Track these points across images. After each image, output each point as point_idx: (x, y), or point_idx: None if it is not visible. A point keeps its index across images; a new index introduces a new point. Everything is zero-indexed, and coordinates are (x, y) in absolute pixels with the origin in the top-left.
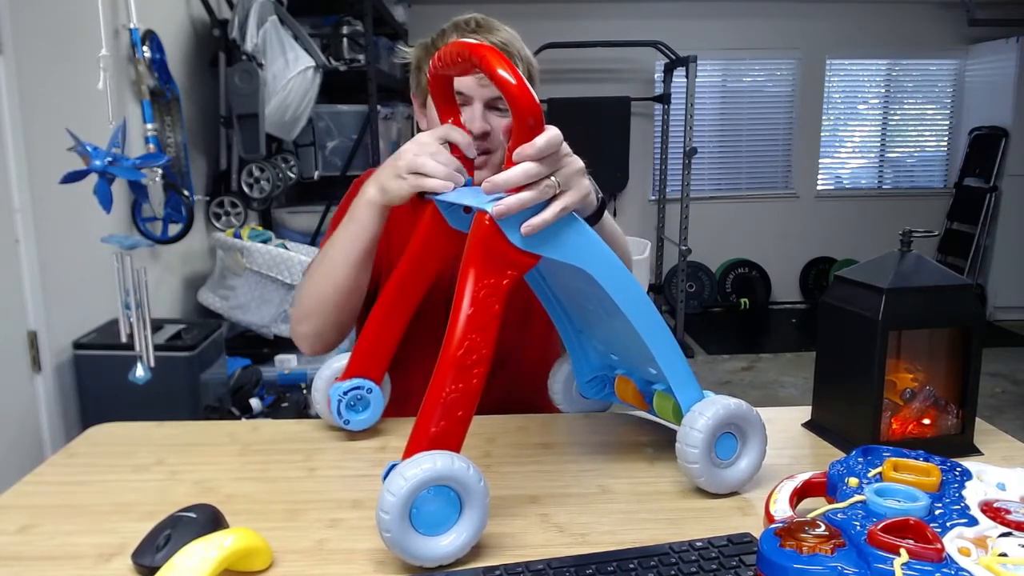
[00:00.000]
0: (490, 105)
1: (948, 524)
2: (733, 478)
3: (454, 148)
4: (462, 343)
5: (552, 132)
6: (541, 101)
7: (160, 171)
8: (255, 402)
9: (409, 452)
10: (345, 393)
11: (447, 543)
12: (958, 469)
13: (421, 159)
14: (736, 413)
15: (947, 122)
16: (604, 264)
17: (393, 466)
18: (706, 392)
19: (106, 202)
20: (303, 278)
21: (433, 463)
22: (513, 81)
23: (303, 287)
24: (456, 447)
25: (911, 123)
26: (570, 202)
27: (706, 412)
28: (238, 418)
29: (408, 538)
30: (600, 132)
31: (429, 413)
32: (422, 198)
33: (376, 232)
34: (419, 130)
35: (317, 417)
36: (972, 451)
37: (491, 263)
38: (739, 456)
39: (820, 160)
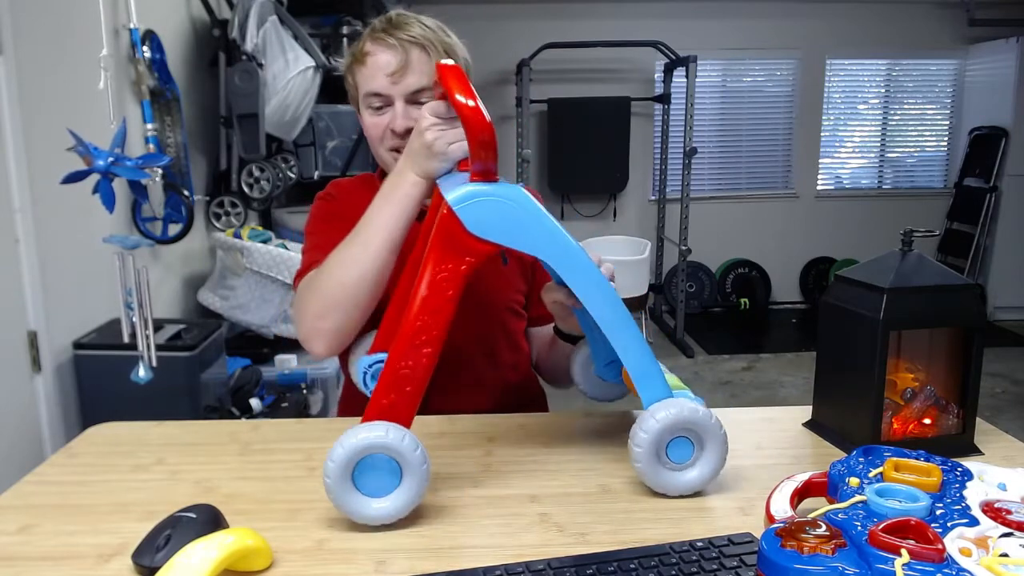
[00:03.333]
0: (411, 100)
1: (949, 524)
2: (683, 482)
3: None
4: (415, 324)
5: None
6: (540, 101)
7: (160, 171)
8: (255, 402)
9: (364, 420)
10: (371, 365)
11: (385, 505)
12: (959, 469)
13: (448, 136)
14: (691, 419)
15: (947, 122)
16: (561, 255)
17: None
18: (680, 392)
19: (109, 202)
20: (314, 276)
21: (369, 434)
22: (469, 104)
23: (322, 281)
24: (405, 418)
25: (911, 123)
26: None
27: (657, 415)
28: (238, 418)
29: (350, 498)
30: (600, 132)
31: (383, 387)
32: None
33: (411, 216)
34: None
35: (317, 417)
36: (973, 451)
37: (449, 249)
38: (694, 462)
39: (820, 160)
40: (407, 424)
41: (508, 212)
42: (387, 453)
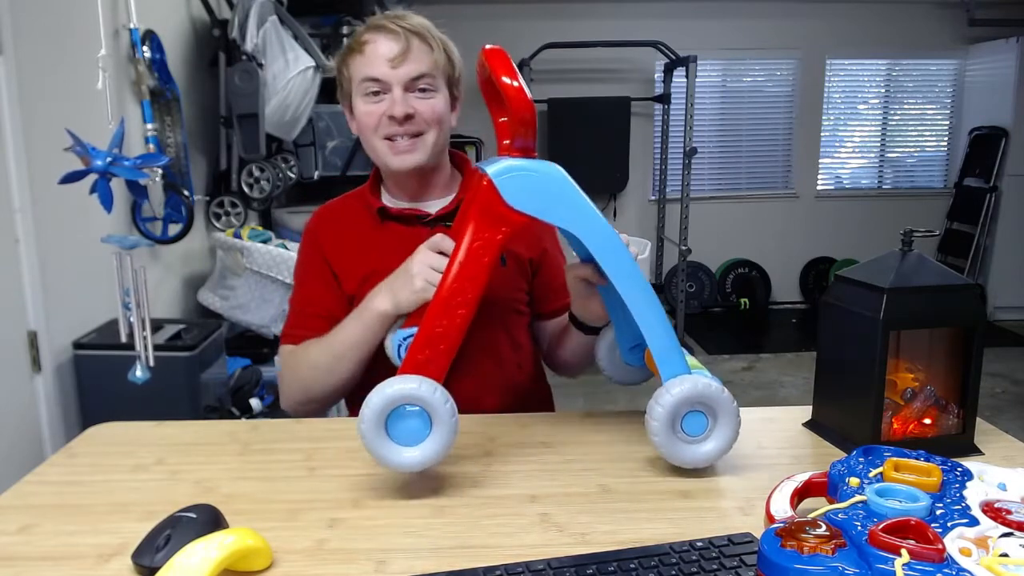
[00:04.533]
0: (408, 88)
1: (949, 524)
2: (699, 454)
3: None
4: (452, 287)
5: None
6: (540, 101)
7: (160, 171)
8: (255, 402)
9: (400, 373)
10: (404, 339)
11: (415, 454)
12: (959, 469)
13: (431, 274)
14: (704, 393)
15: (947, 122)
16: (592, 230)
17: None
18: (698, 371)
19: (107, 202)
20: (296, 359)
21: (403, 385)
22: (513, 84)
23: (302, 373)
24: (438, 374)
25: (911, 123)
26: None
27: (672, 389)
28: (238, 418)
29: (382, 445)
30: (600, 132)
31: (420, 344)
32: (382, 219)
33: (381, 337)
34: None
35: (317, 417)
36: (973, 451)
37: (487, 219)
38: (708, 435)
39: (820, 160)
40: (440, 379)
41: (544, 186)
42: (418, 404)
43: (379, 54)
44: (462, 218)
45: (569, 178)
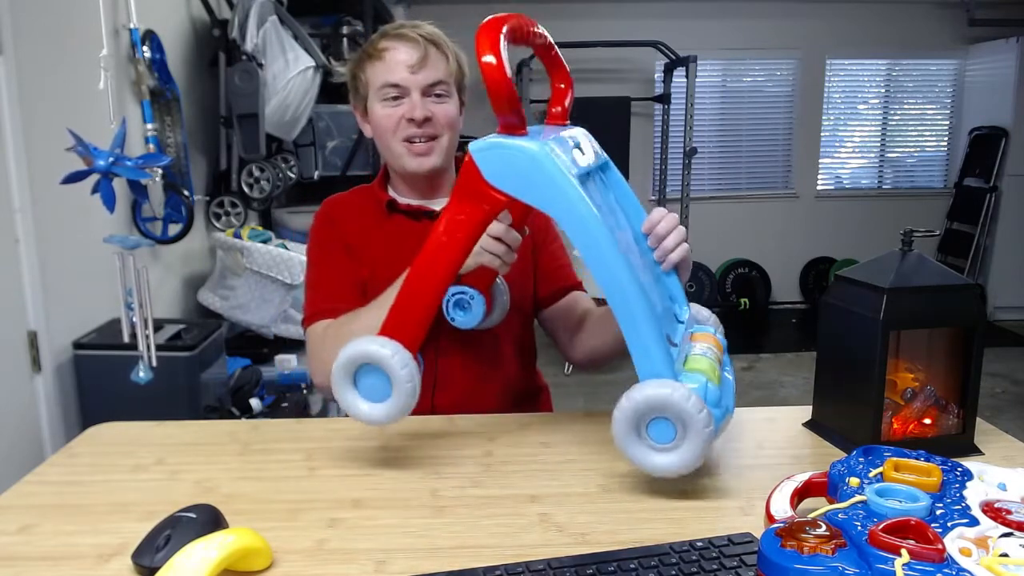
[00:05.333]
0: (426, 93)
1: (949, 524)
2: (658, 463)
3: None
4: (426, 257)
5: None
6: (540, 101)
7: (160, 171)
8: (255, 402)
9: (379, 334)
10: (453, 295)
11: (372, 410)
12: (959, 469)
13: (487, 240)
14: (669, 403)
15: (947, 122)
16: (570, 215)
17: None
18: (696, 373)
19: (110, 202)
20: (332, 333)
21: (368, 346)
22: (492, 62)
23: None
24: (411, 337)
25: (911, 123)
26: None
27: (633, 394)
28: (238, 418)
29: (347, 393)
30: (600, 132)
31: (394, 311)
32: (389, 212)
33: None
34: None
35: (317, 417)
36: (973, 451)
37: (467, 195)
38: (675, 447)
39: (820, 160)
40: (414, 342)
41: (523, 166)
42: (378, 365)
43: (399, 60)
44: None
45: (554, 158)
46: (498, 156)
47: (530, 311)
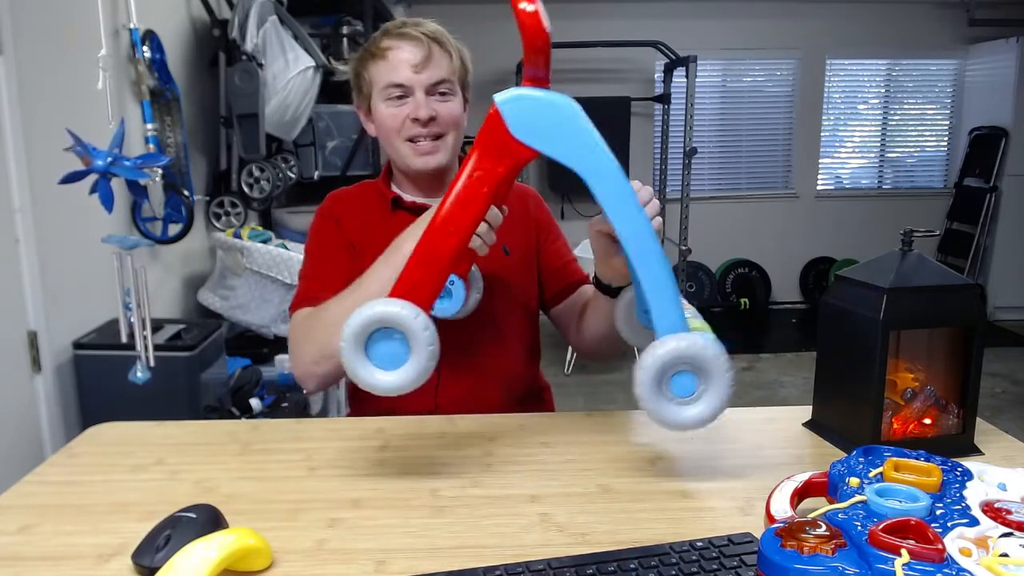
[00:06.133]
0: (430, 92)
1: (949, 524)
2: (685, 416)
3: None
4: (447, 213)
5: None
6: None
7: (160, 171)
8: (255, 402)
9: (389, 296)
10: None
11: (392, 378)
12: (959, 469)
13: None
14: (697, 353)
15: (947, 122)
16: (597, 169)
17: None
18: (701, 332)
19: (108, 202)
20: (312, 317)
21: (386, 308)
22: (529, 8)
23: (318, 329)
24: (424, 300)
25: (911, 123)
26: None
27: (666, 345)
28: (238, 418)
29: (360, 364)
30: (600, 132)
31: (409, 269)
32: (394, 208)
33: None
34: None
35: (317, 417)
36: (973, 451)
37: (490, 149)
38: (697, 397)
39: (820, 160)
40: (428, 303)
41: (550, 117)
42: (398, 328)
43: (402, 60)
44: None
45: (581, 112)
46: (526, 107)
47: (535, 309)
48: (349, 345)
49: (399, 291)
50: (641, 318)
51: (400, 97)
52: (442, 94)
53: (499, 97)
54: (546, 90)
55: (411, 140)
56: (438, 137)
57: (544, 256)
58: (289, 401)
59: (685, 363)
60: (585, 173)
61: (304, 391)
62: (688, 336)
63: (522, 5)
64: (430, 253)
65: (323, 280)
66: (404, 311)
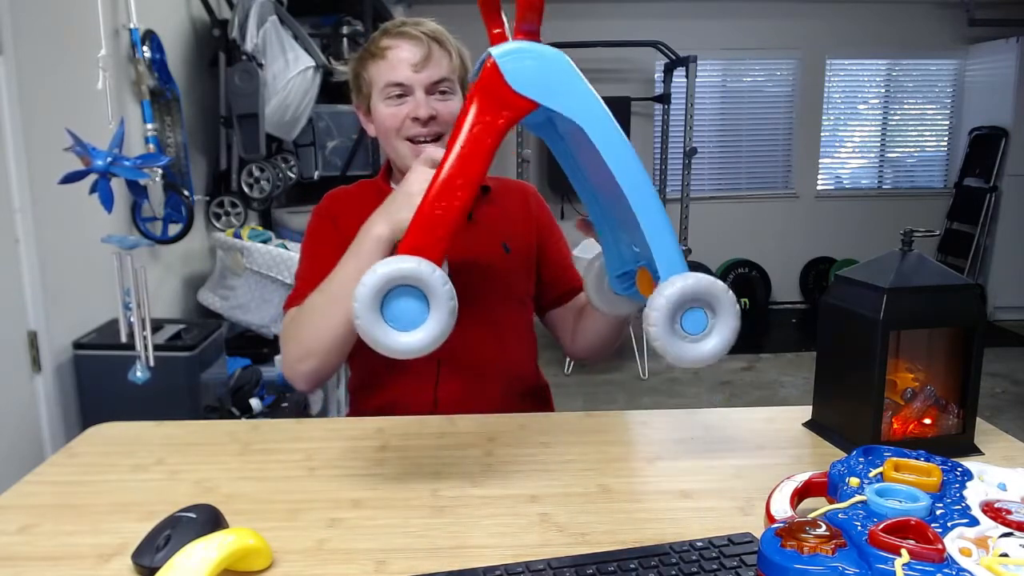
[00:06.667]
0: (429, 91)
1: (949, 524)
2: (702, 351)
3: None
4: (452, 167)
5: None
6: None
7: (160, 171)
8: (255, 402)
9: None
10: None
11: (413, 338)
12: (959, 469)
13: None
14: (706, 288)
15: (947, 122)
16: (595, 118)
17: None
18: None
19: (108, 202)
20: (295, 316)
21: (402, 264)
22: None
23: (300, 326)
24: (436, 258)
25: (911, 123)
26: None
27: (675, 283)
28: (238, 418)
29: (377, 328)
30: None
31: (417, 227)
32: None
33: None
34: (368, 137)
35: (317, 417)
36: (973, 451)
37: (488, 101)
38: (709, 331)
39: (820, 160)
40: (440, 261)
41: (547, 69)
42: (416, 284)
43: (402, 59)
44: (467, 98)
45: (573, 65)
46: (525, 61)
47: (531, 304)
48: (364, 308)
49: (409, 250)
50: (614, 284)
51: (400, 96)
52: (442, 93)
53: (496, 51)
54: (540, 44)
55: (411, 140)
56: (438, 137)
57: (545, 256)
58: (289, 401)
59: (694, 300)
60: (583, 122)
61: (297, 389)
62: (692, 274)
63: None
64: (437, 212)
65: (316, 281)
66: (421, 266)
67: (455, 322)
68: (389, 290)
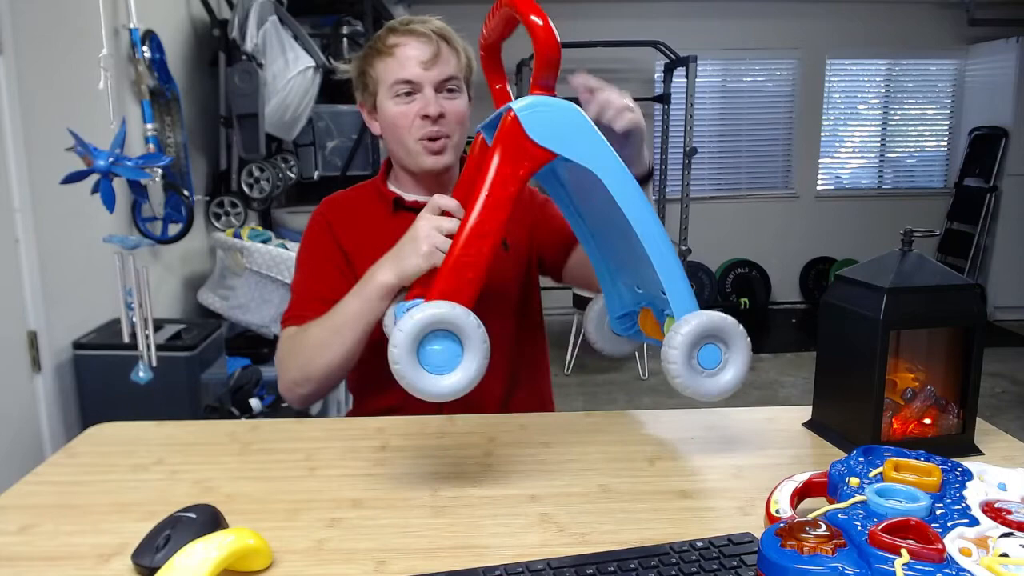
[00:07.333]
0: (438, 89)
1: (949, 524)
2: (721, 385)
3: (447, 212)
4: (480, 216)
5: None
6: None
7: (160, 171)
8: (255, 402)
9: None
10: (408, 310)
11: (450, 382)
12: (959, 469)
13: (438, 238)
14: (718, 324)
15: (947, 122)
16: (609, 166)
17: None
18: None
19: (110, 202)
20: (295, 338)
21: (437, 309)
22: (540, 23)
23: (300, 352)
24: (466, 302)
25: (911, 123)
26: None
27: (682, 328)
28: (238, 418)
29: (415, 373)
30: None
31: (447, 274)
32: (395, 209)
33: (382, 312)
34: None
35: (317, 417)
36: (973, 451)
37: (510, 153)
38: (724, 365)
39: (820, 160)
40: (471, 305)
41: (564, 122)
42: (451, 329)
43: (411, 56)
44: (478, 161)
45: (588, 118)
46: (544, 115)
47: (532, 305)
48: (403, 353)
49: (441, 296)
50: (615, 325)
51: (409, 94)
52: (450, 91)
53: (517, 105)
54: (556, 98)
55: (423, 139)
56: (446, 136)
57: (540, 234)
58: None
59: (709, 336)
60: (599, 170)
61: (292, 405)
62: (704, 312)
63: (533, 17)
64: (466, 259)
65: (312, 295)
66: (456, 310)
67: (488, 364)
68: (426, 335)
